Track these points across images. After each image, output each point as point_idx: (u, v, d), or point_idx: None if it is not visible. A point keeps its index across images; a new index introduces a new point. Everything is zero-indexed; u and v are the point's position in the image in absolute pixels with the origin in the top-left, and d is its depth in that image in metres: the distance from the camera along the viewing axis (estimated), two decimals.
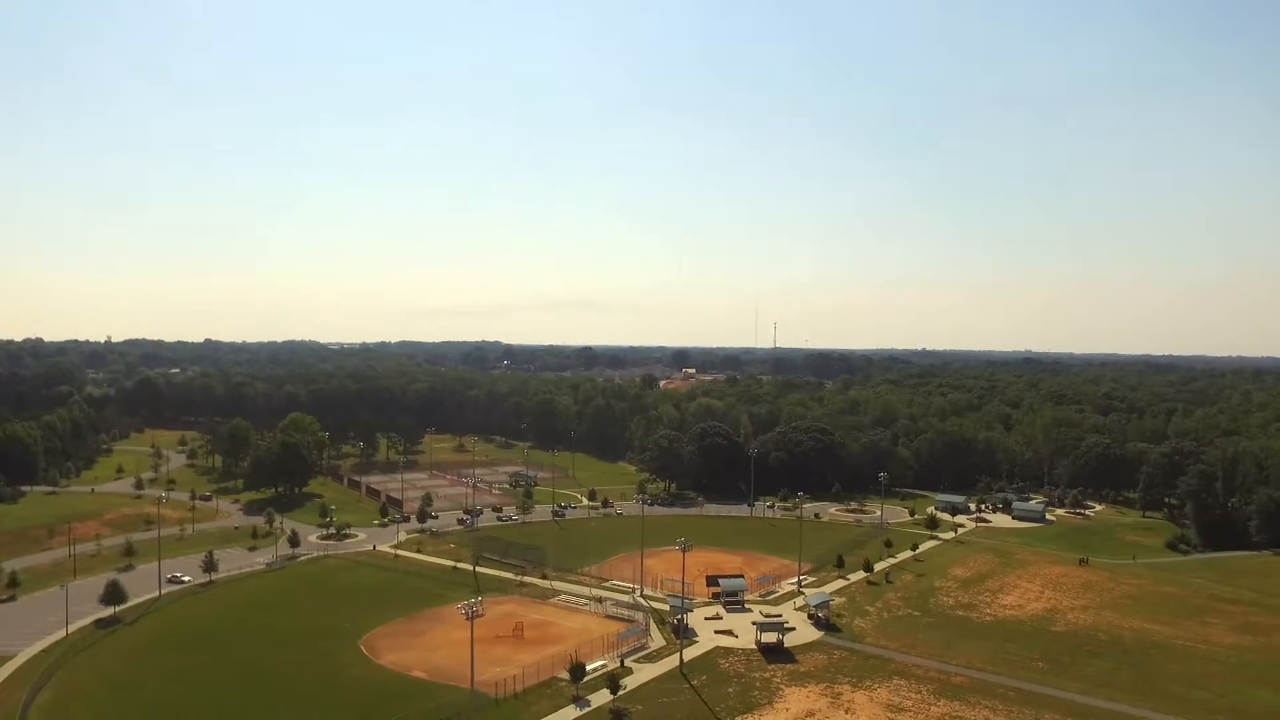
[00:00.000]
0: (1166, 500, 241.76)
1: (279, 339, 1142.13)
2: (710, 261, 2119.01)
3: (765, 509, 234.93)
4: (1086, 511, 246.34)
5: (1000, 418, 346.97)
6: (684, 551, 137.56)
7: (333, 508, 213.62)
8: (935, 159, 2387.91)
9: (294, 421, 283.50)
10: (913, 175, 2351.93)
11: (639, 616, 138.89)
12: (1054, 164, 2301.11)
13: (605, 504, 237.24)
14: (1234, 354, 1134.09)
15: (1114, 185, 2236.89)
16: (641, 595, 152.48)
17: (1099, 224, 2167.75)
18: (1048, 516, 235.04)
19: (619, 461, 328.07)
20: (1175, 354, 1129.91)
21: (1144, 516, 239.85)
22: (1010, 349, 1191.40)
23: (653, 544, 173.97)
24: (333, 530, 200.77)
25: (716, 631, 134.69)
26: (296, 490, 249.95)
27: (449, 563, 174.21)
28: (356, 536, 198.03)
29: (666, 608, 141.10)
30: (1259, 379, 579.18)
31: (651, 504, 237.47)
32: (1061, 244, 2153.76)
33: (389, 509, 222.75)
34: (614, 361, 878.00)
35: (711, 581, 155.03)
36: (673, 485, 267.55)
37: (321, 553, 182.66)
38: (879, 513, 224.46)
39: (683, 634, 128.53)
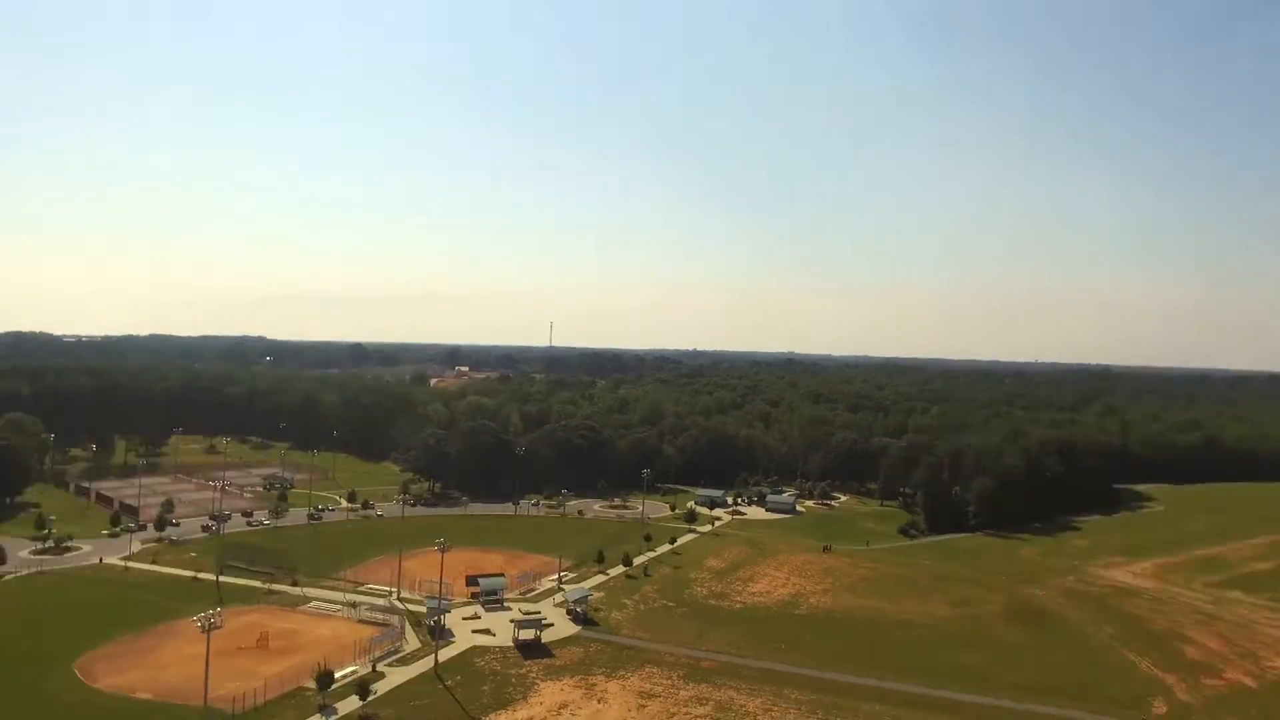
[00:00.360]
0: (902, 490, 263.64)
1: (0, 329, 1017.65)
2: (490, 259, 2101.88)
3: (530, 507, 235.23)
4: (833, 502, 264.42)
5: (761, 415, 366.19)
6: (443, 552, 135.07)
7: (53, 518, 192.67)
8: (711, 165, 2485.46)
9: (10, 422, 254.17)
10: (690, 180, 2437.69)
11: (394, 620, 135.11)
12: (821, 172, 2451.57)
13: (366, 505, 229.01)
14: (967, 357, 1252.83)
15: (870, 196, 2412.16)
16: (398, 598, 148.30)
17: (857, 231, 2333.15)
18: (798, 508, 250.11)
19: (384, 461, 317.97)
20: (919, 357, 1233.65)
21: (882, 505, 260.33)
22: (775, 350, 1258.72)
23: (414, 545, 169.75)
24: (51, 543, 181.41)
25: (474, 631, 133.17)
26: (10, 500, 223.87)
27: (189, 573, 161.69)
28: (80, 549, 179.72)
29: (424, 609, 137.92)
30: (985, 380, 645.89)
31: (415, 504, 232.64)
32: (825, 251, 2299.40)
33: (122, 517, 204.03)
34: (385, 359, 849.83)
35: (471, 581, 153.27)
36: (438, 485, 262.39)
37: (35, 569, 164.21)
38: (641, 508, 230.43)
39: (439, 635, 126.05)
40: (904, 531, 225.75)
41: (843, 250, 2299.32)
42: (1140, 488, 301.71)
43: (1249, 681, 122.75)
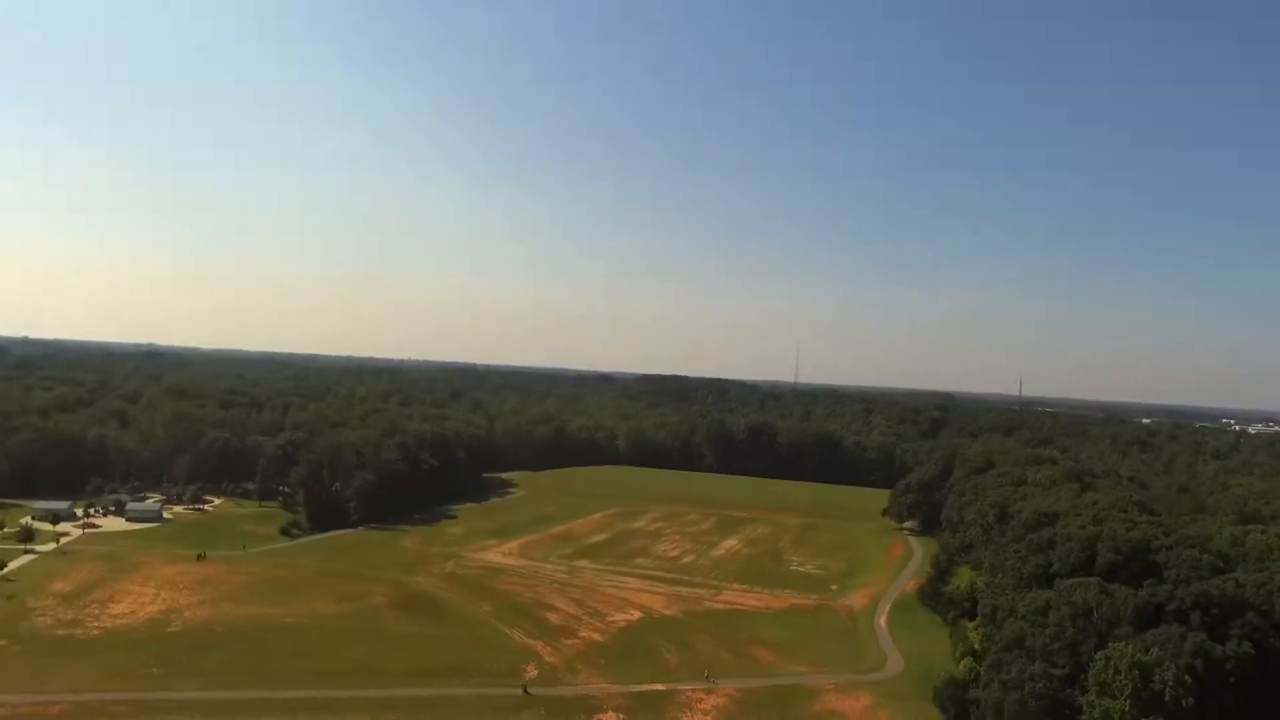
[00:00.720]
0: (281, 489, 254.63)
1: None
2: None
3: None
4: (206, 506, 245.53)
5: (116, 414, 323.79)
6: None
7: None
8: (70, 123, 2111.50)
9: None
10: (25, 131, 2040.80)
11: None
12: (175, 158, 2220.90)
13: None
14: (345, 354, 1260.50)
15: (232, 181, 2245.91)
16: None
17: (225, 218, 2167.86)
18: (165, 515, 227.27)
19: None
20: (296, 352, 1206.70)
21: (261, 506, 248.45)
22: (133, 341, 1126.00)
23: None
24: None
25: None
26: None
27: None
28: None
29: None
30: (360, 376, 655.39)
31: None
32: (193, 236, 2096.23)
33: None
34: None
35: None
36: None
37: None
38: None
39: None
40: (285, 532, 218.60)
41: (212, 238, 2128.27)
42: (505, 475, 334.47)
43: (598, 637, 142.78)
